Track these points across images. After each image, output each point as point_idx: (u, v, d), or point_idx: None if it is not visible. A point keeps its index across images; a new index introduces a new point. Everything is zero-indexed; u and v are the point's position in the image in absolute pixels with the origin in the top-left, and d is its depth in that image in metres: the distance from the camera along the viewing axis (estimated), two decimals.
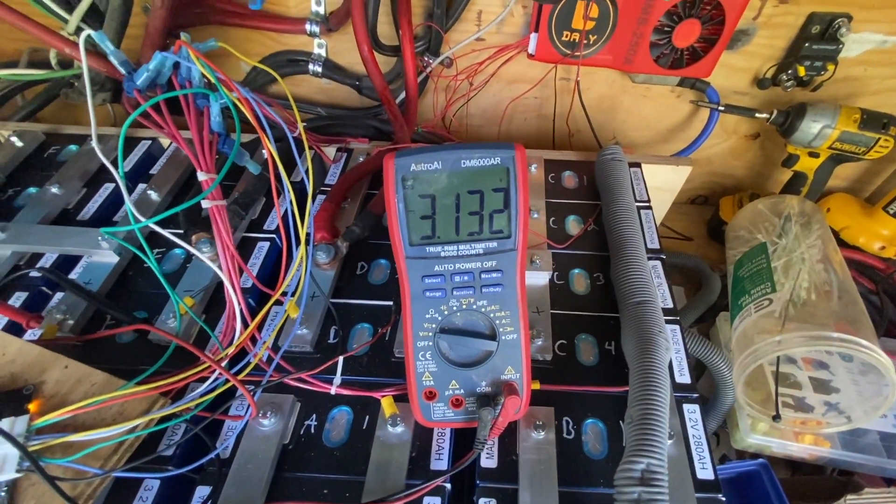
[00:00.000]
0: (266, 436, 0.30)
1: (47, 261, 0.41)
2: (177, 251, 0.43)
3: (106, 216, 0.47)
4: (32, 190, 0.48)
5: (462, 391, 0.30)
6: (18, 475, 0.25)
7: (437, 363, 0.29)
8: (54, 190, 0.46)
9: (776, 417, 0.44)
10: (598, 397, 0.34)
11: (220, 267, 0.32)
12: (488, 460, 0.30)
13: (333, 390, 0.31)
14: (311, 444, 0.31)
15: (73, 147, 0.53)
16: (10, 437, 0.25)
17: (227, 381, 0.30)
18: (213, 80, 0.27)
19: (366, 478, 0.29)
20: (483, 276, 0.28)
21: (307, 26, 0.56)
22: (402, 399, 0.32)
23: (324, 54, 0.61)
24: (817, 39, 0.52)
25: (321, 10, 0.56)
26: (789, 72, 0.55)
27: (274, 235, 0.43)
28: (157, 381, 0.29)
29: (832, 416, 0.47)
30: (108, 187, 0.48)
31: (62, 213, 0.46)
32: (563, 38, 0.53)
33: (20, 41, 0.61)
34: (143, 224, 0.28)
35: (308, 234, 0.32)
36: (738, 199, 0.69)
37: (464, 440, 0.31)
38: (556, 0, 0.48)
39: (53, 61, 0.54)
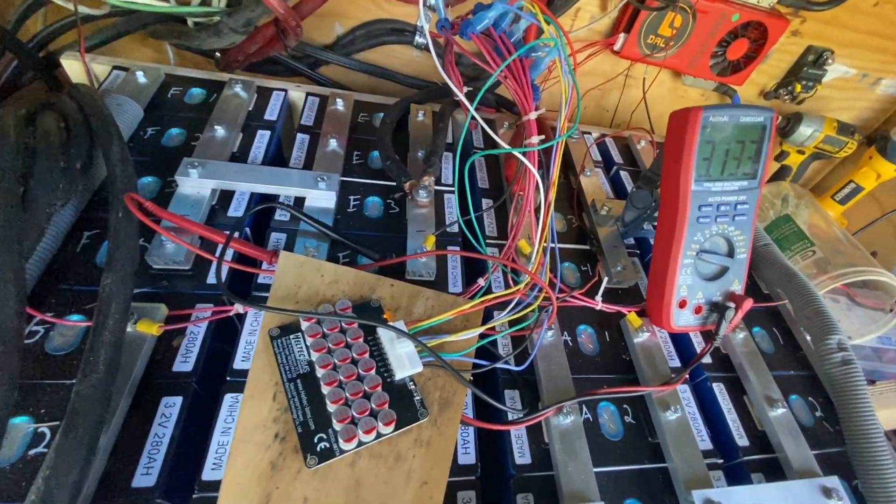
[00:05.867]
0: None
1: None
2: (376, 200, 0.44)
3: (277, 164, 0.45)
4: (175, 131, 0.45)
5: (703, 300, 0.38)
6: (424, 369, 0.27)
7: (693, 277, 0.37)
8: (220, 133, 0.43)
9: None
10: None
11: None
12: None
13: (599, 305, 0.38)
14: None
15: (195, 90, 0.49)
16: (417, 341, 0.27)
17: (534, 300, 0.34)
18: (557, 33, 0.31)
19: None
20: (738, 206, 0.36)
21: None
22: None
23: (427, 28, 0.64)
24: (811, 66, 0.71)
25: None
26: (788, 88, 0.73)
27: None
28: (483, 298, 0.32)
29: None
30: (263, 134, 0.47)
31: (232, 158, 0.43)
32: (648, 41, 0.64)
33: None
34: None
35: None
36: None
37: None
38: (661, 9, 0.59)
39: None
